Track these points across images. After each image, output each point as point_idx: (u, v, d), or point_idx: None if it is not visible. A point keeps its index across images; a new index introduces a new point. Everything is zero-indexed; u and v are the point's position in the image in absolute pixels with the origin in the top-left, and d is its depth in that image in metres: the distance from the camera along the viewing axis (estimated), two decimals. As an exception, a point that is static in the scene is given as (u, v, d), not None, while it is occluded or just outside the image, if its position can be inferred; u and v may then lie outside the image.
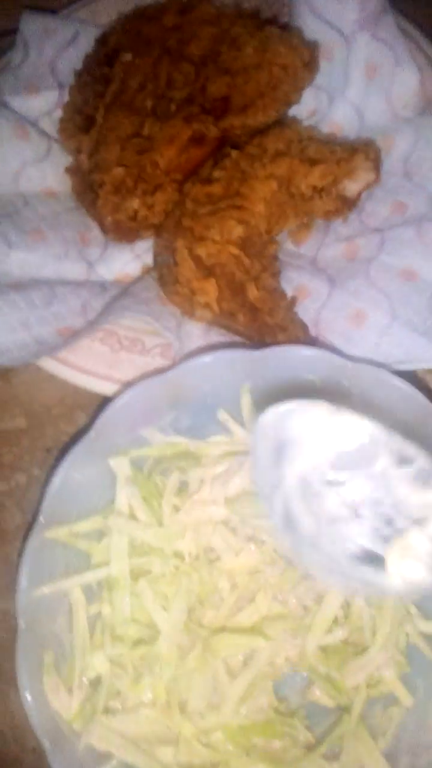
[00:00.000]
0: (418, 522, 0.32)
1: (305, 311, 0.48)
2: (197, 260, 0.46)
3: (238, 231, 0.46)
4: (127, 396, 0.41)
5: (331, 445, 0.33)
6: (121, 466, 0.41)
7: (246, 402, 0.43)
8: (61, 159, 0.56)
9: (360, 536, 0.33)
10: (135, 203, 0.49)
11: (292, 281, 0.50)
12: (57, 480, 0.39)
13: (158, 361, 0.48)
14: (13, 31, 0.66)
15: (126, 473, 0.41)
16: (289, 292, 0.49)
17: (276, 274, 0.46)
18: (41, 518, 0.38)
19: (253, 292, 0.45)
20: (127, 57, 0.53)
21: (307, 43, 0.48)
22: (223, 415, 0.44)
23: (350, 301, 0.48)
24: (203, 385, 0.43)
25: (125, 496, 0.41)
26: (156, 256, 0.49)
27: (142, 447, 0.44)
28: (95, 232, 0.55)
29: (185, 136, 0.47)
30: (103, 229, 0.52)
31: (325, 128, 0.55)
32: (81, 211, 0.56)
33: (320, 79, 0.52)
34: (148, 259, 0.54)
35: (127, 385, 0.46)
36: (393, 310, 0.47)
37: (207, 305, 0.46)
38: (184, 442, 0.44)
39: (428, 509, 0.32)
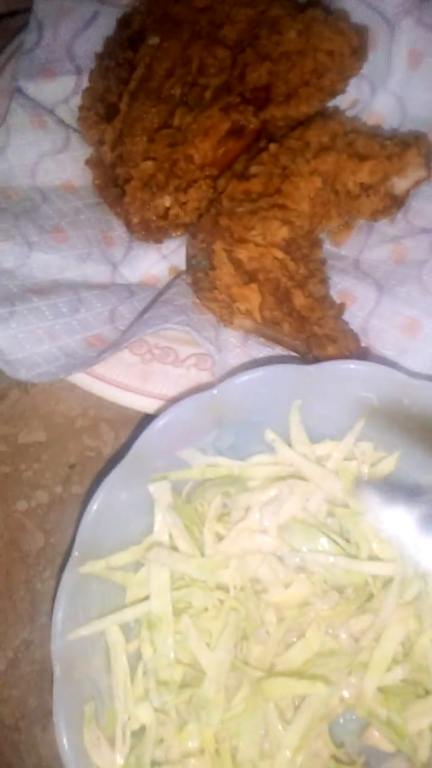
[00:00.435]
0: None
1: (352, 319, 0.45)
2: (237, 264, 0.43)
3: (282, 232, 0.42)
4: (166, 417, 0.37)
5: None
6: (161, 491, 0.37)
7: (295, 421, 0.39)
8: (81, 150, 0.52)
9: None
10: (166, 200, 0.45)
11: (335, 285, 0.47)
12: (92, 510, 0.36)
13: (193, 373, 0.44)
14: (25, 11, 0.62)
15: (166, 500, 0.37)
16: (333, 296, 0.46)
17: (324, 280, 0.43)
18: (76, 552, 0.35)
19: (299, 300, 0.41)
20: (154, 40, 0.49)
21: (355, 28, 0.44)
22: (270, 435, 0.41)
23: (402, 309, 0.44)
24: (248, 403, 0.39)
25: (165, 525, 0.38)
26: (190, 258, 0.45)
27: (181, 469, 0.40)
28: (118, 230, 0.51)
29: (223, 129, 0.43)
30: (129, 227, 0.48)
31: (365, 119, 0.51)
32: (102, 206, 0.52)
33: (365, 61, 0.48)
34: (175, 260, 0.51)
35: (165, 402, 0.42)
36: None
37: (248, 313, 0.42)
38: (227, 463, 0.41)
39: None
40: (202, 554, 0.38)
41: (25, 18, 0.63)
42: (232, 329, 0.45)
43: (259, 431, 0.41)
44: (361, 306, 0.45)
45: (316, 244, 0.44)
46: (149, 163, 0.46)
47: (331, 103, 0.49)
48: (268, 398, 0.39)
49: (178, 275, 0.49)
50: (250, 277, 0.42)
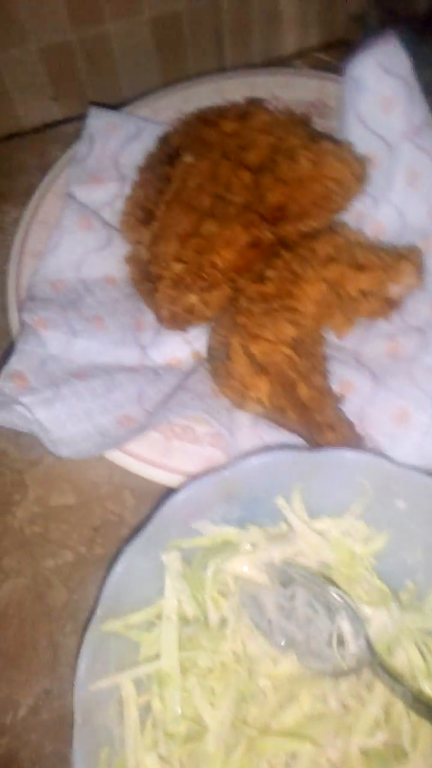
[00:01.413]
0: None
1: (350, 406, 0.50)
2: (251, 357, 0.49)
3: (290, 332, 0.48)
4: (183, 494, 0.42)
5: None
6: (172, 561, 0.42)
7: (297, 501, 0.44)
8: (121, 248, 0.60)
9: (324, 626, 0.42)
10: (192, 298, 0.52)
11: (336, 374, 0.52)
12: (115, 574, 0.41)
13: (209, 450, 0.50)
14: (78, 118, 0.71)
15: (176, 568, 0.42)
16: (334, 386, 0.51)
17: (325, 374, 0.49)
18: (99, 612, 0.40)
19: (303, 391, 0.47)
20: (189, 159, 0.56)
21: (358, 158, 0.51)
22: (280, 501, 0.45)
23: (394, 400, 0.50)
24: (256, 482, 0.44)
25: (174, 591, 0.43)
26: (210, 350, 0.52)
27: (194, 538, 0.45)
28: (149, 316, 0.58)
29: (243, 241, 0.50)
30: (159, 318, 0.55)
31: (370, 227, 0.58)
32: (137, 296, 0.59)
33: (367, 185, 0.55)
34: (198, 345, 0.57)
35: (183, 476, 0.48)
36: None
37: (259, 400, 0.48)
38: (234, 532, 0.46)
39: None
40: (206, 618, 0.43)
41: (78, 124, 0.72)
42: (244, 412, 0.50)
43: (265, 506, 0.46)
44: (358, 394, 0.51)
45: (320, 342, 0.50)
46: (179, 265, 0.52)
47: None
48: (274, 479, 0.44)
49: (196, 357, 0.55)
50: (262, 369, 0.48)
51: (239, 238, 0.50)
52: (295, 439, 0.49)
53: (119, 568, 0.41)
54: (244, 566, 0.44)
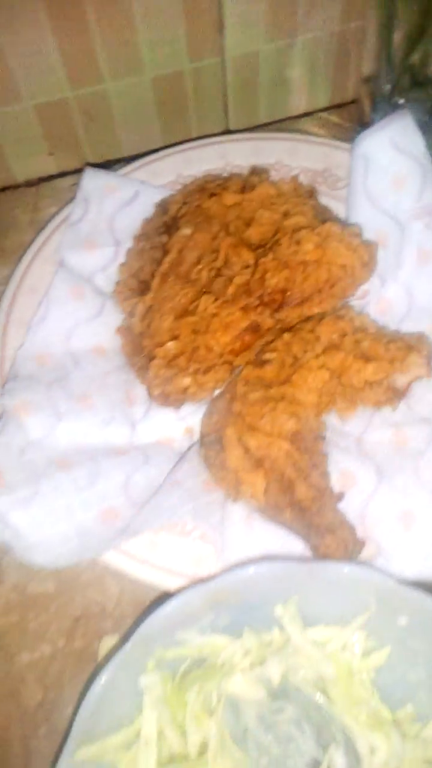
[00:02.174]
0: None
1: (351, 502, 0.48)
2: (247, 450, 0.46)
3: (289, 425, 0.46)
4: (169, 606, 0.39)
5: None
6: (151, 684, 0.39)
7: (293, 613, 0.41)
8: (113, 316, 0.57)
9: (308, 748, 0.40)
10: (186, 381, 0.49)
11: (337, 464, 0.50)
12: (92, 696, 0.37)
13: (198, 545, 0.47)
14: (74, 172, 0.69)
15: (156, 692, 0.39)
16: (335, 476, 0.48)
17: (325, 471, 0.46)
18: (71, 743, 0.37)
19: (301, 491, 0.44)
20: (187, 231, 0.54)
21: (366, 244, 0.49)
22: (279, 611, 0.42)
23: (398, 499, 0.47)
24: (248, 593, 0.41)
25: (153, 718, 0.39)
26: (203, 436, 0.49)
27: (179, 648, 0.42)
28: (140, 390, 0.55)
29: (242, 326, 0.48)
30: (151, 397, 0.52)
31: (376, 305, 0.56)
32: (128, 368, 0.56)
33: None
34: (192, 422, 0.54)
35: (171, 577, 0.45)
36: None
37: (253, 496, 0.45)
38: (223, 641, 0.43)
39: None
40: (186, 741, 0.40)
41: (73, 179, 0.70)
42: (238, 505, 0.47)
43: (257, 613, 0.43)
44: (361, 490, 0.48)
45: (320, 437, 0.47)
46: (172, 344, 0.50)
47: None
48: (267, 588, 0.41)
49: (191, 440, 0.52)
50: (257, 464, 0.45)
51: (238, 322, 0.48)
52: (291, 538, 0.46)
53: (96, 690, 0.38)
54: (238, 685, 0.41)
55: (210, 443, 0.48)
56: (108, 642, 0.50)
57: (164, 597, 0.49)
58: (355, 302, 0.55)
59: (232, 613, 0.43)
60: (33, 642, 0.50)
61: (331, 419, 0.54)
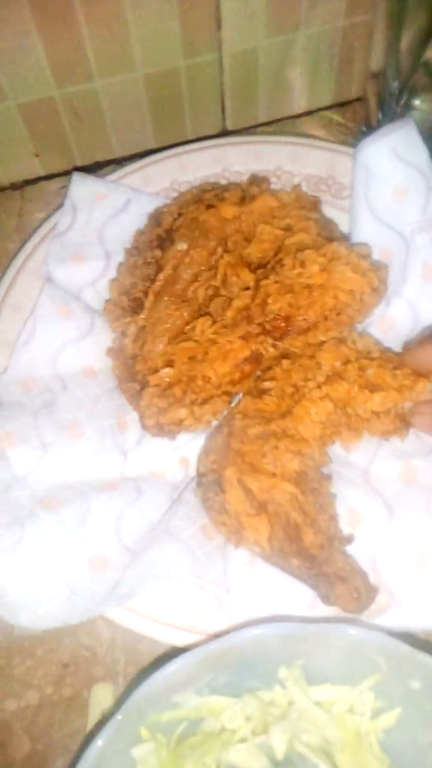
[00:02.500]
0: None
1: (360, 542, 0.44)
2: (248, 493, 0.42)
3: (293, 465, 0.42)
4: (163, 673, 0.36)
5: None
6: (144, 756, 0.36)
7: (298, 676, 0.38)
8: (103, 335, 0.53)
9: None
10: (181, 412, 0.45)
11: (343, 500, 0.46)
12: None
13: (196, 593, 0.44)
14: (62, 174, 0.65)
15: (150, 763, 0.36)
16: (342, 513, 0.45)
17: (333, 517, 0.43)
18: None
19: (309, 537, 0.41)
20: (182, 246, 0.50)
21: (375, 266, 0.45)
22: (283, 673, 0.40)
23: (410, 540, 0.44)
24: (249, 654, 0.38)
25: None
26: (201, 475, 0.45)
27: (175, 710, 0.39)
28: (132, 415, 0.51)
29: (242, 355, 0.44)
30: (144, 426, 0.48)
31: (380, 323, 0.52)
32: (120, 391, 0.52)
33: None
34: (187, 451, 0.51)
35: (166, 628, 0.42)
36: None
37: (257, 543, 0.42)
38: (223, 702, 0.40)
39: None
40: None
41: (61, 181, 0.66)
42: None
43: (257, 669, 0.40)
44: (370, 528, 0.45)
45: (326, 477, 0.44)
46: (167, 372, 0.46)
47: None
48: (269, 649, 0.38)
49: (186, 473, 0.49)
50: (260, 507, 0.42)
51: (238, 351, 0.44)
52: (299, 585, 0.43)
53: (87, 763, 0.35)
54: (239, 755, 0.38)
55: (208, 484, 0.44)
56: (99, 690, 0.47)
57: (163, 654, 0.46)
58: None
59: (231, 672, 0.40)
60: (19, 689, 0.47)
61: (336, 448, 0.50)
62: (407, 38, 0.60)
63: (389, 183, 0.50)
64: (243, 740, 0.38)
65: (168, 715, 0.39)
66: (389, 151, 0.50)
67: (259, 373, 0.48)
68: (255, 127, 0.70)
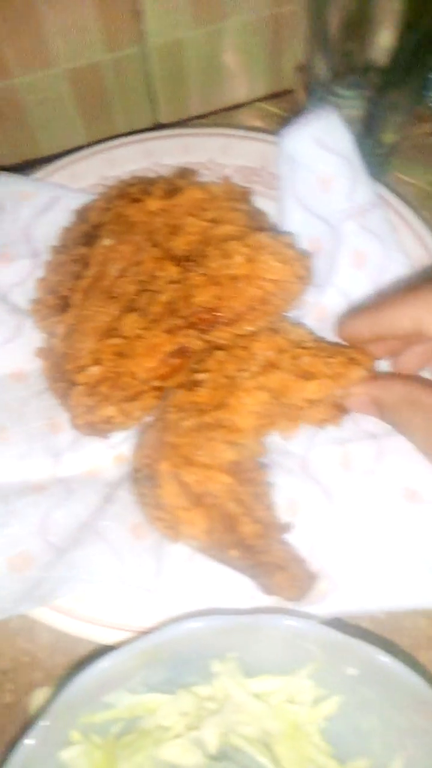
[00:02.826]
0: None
1: (299, 534, 0.44)
2: (183, 486, 0.42)
3: (228, 455, 0.42)
4: (93, 671, 0.36)
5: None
6: (74, 761, 0.35)
7: (233, 669, 0.38)
8: (32, 337, 0.52)
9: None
10: (110, 410, 0.45)
11: (281, 490, 0.46)
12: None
13: (131, 592, 0.43)
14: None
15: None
16: (280, 501, 0.45)
17: (269, 503, 0.42)
18: None
19: (246, 528, 0.40)
20: (108, 242, 0.49)
21: (300, 255, 0.44)
22: (216, 667, 0.39)
23: (349, 526, 0.44)
24: (184, 648, 0.38)
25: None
26: (135, 471, 0.45)
27: (109, 710, 0.38)
28: (66, 416, 0.50)
29: (167, 349, 0.43)
30: (75, 427, 0.47)
31: (312, 312, 0.52)
32: (52, 392, 0.51)
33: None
34: (123, 449, 0.50)
35: (101, 628, 0.41)
36: (397, 541, 0.43)
37: (194, 537, 0.41)
38: (158, 699, 0.39)
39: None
40: None
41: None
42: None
43: (193, 665, 0.39)
44: (308, 519, 0.45)
45: (262, 466, 0.44)
46: (95, 370, 0.45)
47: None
48: (204, 644, 0.38)
49: (118, 485, 0.48)
50: (197, 500, 0.41)
51: (163, 345, 0.43)
52: (238, 578, 0.42)
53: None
54: (172, 752, 0.37)
55: (142, 479, 0.44)
56: (40, 695, 0.46)
57: (95, 652, 0.45)
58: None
59: (167, 668, 0.39)
60: None
61: (275, 438, 0.50)
62: (331, 28, 0.60)
63: (314, 172, 0.50)
64: (178, 736, 0.37)
65: (101, 715, 0.38)
66: (312, 139, 0.50)
67: (194, 365, 0.47)
68: (189, 120, 0.69)
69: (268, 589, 0.41)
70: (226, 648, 0.38)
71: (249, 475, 0.43)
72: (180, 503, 0.42)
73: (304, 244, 0.50)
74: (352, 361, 0.45)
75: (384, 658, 0.36)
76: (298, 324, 0.48)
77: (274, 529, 0.42)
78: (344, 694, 0.39)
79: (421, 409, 0.40)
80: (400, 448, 0.46)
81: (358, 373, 0.45)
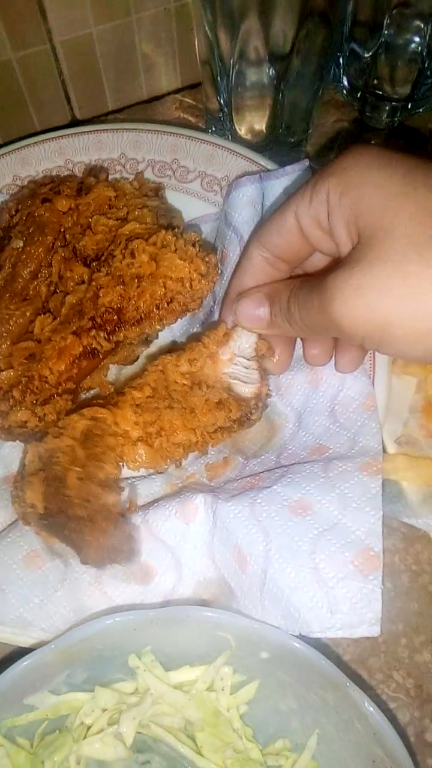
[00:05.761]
0: None
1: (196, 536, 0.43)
2: (39, 458, 0.42)
3: (80, 425, 0.42)
4: (11, 673, 0.36)
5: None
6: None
7: (150, 661, 0.39)
8: None
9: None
10: (23, 414, 0.44)
11: (176, 497, 0.44)
12: None
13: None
14: None
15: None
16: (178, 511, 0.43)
17: (112, 484, 0.42)
18: None
19: (72, 481, 0.40)
20: (18, 244, 0.49)
21: (203, 254, 0.44)
22: (134, 662, 0.39)
23: (231, 537, 0.42)
24: (100, 646, 0.38)
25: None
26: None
27: (31, 712, 0.39)
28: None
29: (76, 351, 0.43)
30: (-8, 432, 0.47)
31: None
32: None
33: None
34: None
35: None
36: (271, 551, 0.40)
37: (33, 504, 0.40)
38: (81, 697, 0.40)
39: None
40: None
41: None
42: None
43: (114, 662, 0.40)
44: (201, 524, 0.43)
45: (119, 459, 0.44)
46: (5, 375, 0.45)
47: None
48: (121, 640, 0.38)
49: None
50: (44, 466, 0.41)
51: (70, 347, 0.43)
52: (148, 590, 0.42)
53: None
54: (94, 746, 0.38)
55: (16, 484, 0.43)
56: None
57: (13, 654, 0.45)
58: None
59: (88, 667, 0.40)
60: None
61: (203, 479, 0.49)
62: (222, 21, 0.59)
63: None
64: (99, 732, 0.38)
65: (25, 718, 0.39)
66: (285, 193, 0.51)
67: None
68: (106, 115, 0.69)
69: (85, 559, 0.40)
70: (145, 643, 0.39)
71: (99, 449, 0.42)
72: (32, 472, 0.42)
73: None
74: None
75: (294, 643, 0.37)
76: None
77: (107, 502, 0.41)
78: (261, 677, 0.40)
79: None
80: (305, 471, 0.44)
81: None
